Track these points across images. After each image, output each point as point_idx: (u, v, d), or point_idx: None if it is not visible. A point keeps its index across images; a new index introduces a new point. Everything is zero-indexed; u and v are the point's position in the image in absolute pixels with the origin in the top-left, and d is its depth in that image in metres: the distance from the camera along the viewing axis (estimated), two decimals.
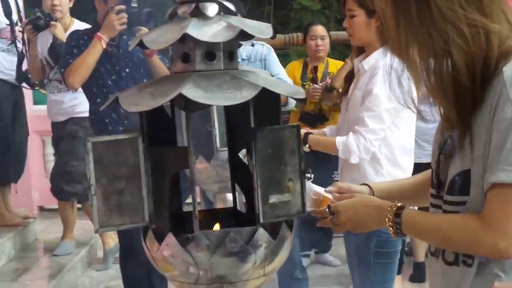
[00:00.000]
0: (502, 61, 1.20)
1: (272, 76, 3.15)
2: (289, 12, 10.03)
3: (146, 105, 1.18)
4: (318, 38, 4.68)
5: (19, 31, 4.24)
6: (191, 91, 1.17)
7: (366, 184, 1.59)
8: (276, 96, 1.28)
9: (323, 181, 1.71)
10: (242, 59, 3.25)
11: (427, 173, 1.57)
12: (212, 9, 1.24)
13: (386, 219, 1.35)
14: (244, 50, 3.25)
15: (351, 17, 2.48)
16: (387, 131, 2.45)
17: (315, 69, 4.74)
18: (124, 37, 3.23)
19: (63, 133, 4.27)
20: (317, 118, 4.47)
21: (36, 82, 4.31)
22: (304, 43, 4.94)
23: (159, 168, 1.29)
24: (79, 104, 4.23)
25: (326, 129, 2.72)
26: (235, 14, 1.29)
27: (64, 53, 3.33)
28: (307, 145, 2.58)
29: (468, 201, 1.26)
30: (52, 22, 4.05)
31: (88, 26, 4.19)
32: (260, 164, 1.23)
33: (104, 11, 3.18)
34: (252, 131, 1.24)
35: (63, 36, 4.02)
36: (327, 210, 1.46)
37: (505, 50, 1.21)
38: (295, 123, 1.38)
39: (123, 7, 3.12)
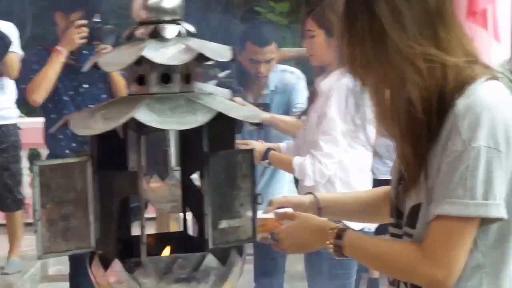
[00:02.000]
0: (457, 93, 1.21)
1: (296, 104, 3.03)
2: None
3: (98, 129, 1.15)
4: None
5: None
6: (144, 115, 1.14)
7: (312, 193, 1.58)
8: (231, 119, 1.26)
9: None
10: (271, 90, 3.13)
11: (378, 191, 1.57)
12: (170, 31, 1.22)
13: (328, 242, 1.34)
14: (272, 81, 3.13)
15: (311, 37, 2.48)
16: (343, 153, 2.45)
17: None
18: (84, 51, 3.15)
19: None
20: None
21: None
22: None
23: (108, 192, 1.25)
24: (10, 109, 4.07)
25: (283, 144, 2.71)
26: (195, 35, 1.27)
27: (23, 69, 3.23)
28: (267, 161, 2.57)
29: (414, 235, 1.26)
30: None
31: (8, 23, 4.05)
32: (212, 189, 1.22)
33: (64, 26, 3.10)
34: (205, 155, 1.22)
35: None
36: (269, 236, 1.45)
37: (460, 82, 1.21)
38: (250, 148, 1.36)
39: (84, 21, 3.04)
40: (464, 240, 1.19)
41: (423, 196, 1.24)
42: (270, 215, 1.52)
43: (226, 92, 2.60)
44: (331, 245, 1.33)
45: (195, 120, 1.16)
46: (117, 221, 1.27)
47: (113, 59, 1.19)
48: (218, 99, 1.28)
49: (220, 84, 2.95)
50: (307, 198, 1.57)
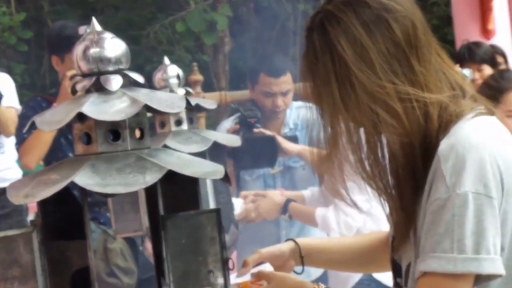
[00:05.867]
0: (442, 134, 1.05)
1: None
2: None
3: (35, 197, 1.03)
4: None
5: None
6: (85, 178, 1.02)
7: (293, 240, 1.42)
8: (193, 177, 1.13)
9: None
10: (290, 129, 2.91)
11: (371, 237, 1.42)
12: (115, 83, 1.10)
13: None
14: (290, 118, 2.91)
15: None
16: (372, 202, 2.23)
17: None
18: None
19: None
20: None
21: None
22: None
23: (58, 264, 1.13)
24: (11, 169, 3.75)
25: (307, 192, 2.49)
26: (143, 85, 1.15)
27: (19, 125, 3.03)
28: (287, 214, 2.36)
29: None
30: None
31: (3, 74, 3.82)
32: (172, 256, 1.08)
33: (63, 72, 2.90)
34: (161, 218, 1.08)
35: None
36: None
37: (445, 121, 1.05)
38: (216, 207, 1.22)
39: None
40: None
41: (413, 252, 1.07)
42: (247, 278, 1.36)
43: (236, 139, 2.43)
44: None
45: (143, 180, 1.03)
46: None
47: (52, 118, 1.08)
48: (176, 155, 1.14)
49: (244, 116, 2.75)
50: (287, 247, 1.39)
